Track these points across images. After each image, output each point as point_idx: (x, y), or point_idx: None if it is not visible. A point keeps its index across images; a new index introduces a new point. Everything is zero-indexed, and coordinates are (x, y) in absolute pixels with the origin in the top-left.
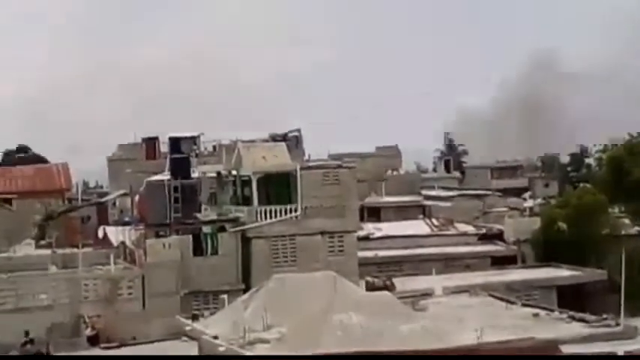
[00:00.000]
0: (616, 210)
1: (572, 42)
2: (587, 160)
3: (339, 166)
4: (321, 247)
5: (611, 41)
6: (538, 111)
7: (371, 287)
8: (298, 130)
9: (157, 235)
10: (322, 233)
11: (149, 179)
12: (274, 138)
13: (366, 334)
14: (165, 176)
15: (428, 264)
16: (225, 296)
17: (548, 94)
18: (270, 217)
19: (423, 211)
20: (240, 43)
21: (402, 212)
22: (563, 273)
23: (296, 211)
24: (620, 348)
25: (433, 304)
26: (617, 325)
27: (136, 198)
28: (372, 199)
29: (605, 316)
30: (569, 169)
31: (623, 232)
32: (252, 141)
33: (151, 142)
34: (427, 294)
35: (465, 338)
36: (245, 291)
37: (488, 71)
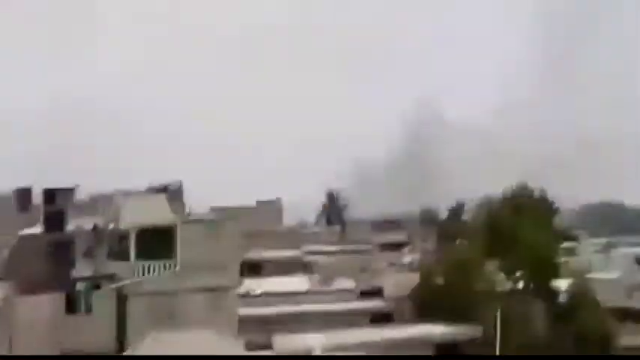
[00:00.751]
0: (491, 266)
1: (459, 92)
2: (463, 216)
3: (221, 221)
4: (201, 303)
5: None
6: (420, 164)
7: (250, 346)
8: (179, 182)
9: (28, 292)
10: (202, 290)
11: (21, 233)
12: (154, 189)
13: None
14: (38, 229)
15: (308, 321)
16: None
17: (432, 146)
18: (149, 273)
19: (304, 267)
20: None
21: (283, 267)
22: (440, 330)
23: (175, 266)
24: None
25: None
26: None
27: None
28: (253, 254)
29: None
30: (447, 223)
31: (498, 288)
32: (130, 192)
33: (24, 193)
34: (307, 355)
35: None
36: (120, 351)
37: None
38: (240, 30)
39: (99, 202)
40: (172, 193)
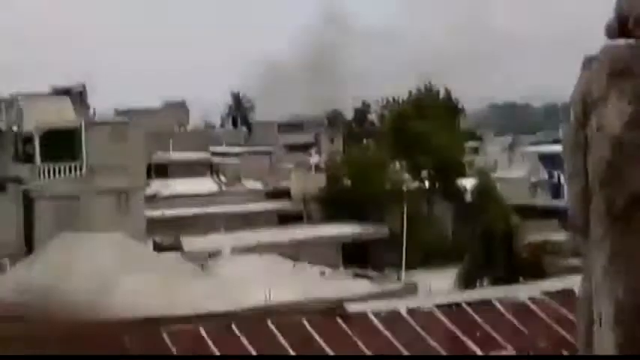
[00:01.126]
0: (397, 165)
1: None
2: (370, 117)
3: (126, 123)
4: (108, 205)
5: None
6: (326, 65)
7: (159, 247)
8: (83, 85)
9: None
10: (109, 192)
11: None
12: (57, 91)
13: (154, 296)
14: None
15: (216, 222)
16: (6, 260)
17: (337, 48)
18: (54, 176)
19: (211, 168)
20: None
21: (190, 169)
22: (347, 230)
23: (81, 169)
24: (402, 305)
25: (222, 265)
26: (398, 280)
27: None
28: (160, 156)
29: (386, 272)
30: (353, 124)
31: (404, 188)
32: (34, 94)
33: None
34: (215, 254)
35: (254, 299)
36: (28, 254)
37: (277, 24)
38: None
39: (0, 105)
40: (76, 96)
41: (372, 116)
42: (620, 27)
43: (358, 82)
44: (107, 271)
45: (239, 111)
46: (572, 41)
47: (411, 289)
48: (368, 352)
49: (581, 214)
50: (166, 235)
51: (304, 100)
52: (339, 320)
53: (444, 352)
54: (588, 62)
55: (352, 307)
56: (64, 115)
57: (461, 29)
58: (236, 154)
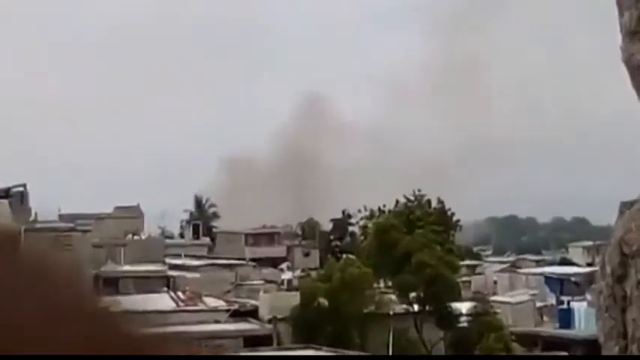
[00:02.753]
0: (382, 285)
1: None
2: (351, 228)
3: (72, 229)
4: None
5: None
6: (304, 168)
7: None
8: (24, 185)
9: None
10: None
11: None
12: None
13: None
14: None
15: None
16: None
17: (316, 150)
18: None
19: (168, 283)
20: None
21: (144, 283)
22: (323, 356)
23: None
24: None
25: None
26: None
27: None
28: (109, 268)
29: None
30: (331, 237)
31: (390, 311)
32: None
33: None
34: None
35: None
36: None
37: (252, 124)
38: (97, 30)
39: None
40: (16, 197)
41: (354, 228)
42: None
43: (340, 188)
44: None
45: (201, 218)
46: (583, 147)
47: None
48: None
49: None
50: None
51: (277, 207)
52: None
53: None
54: (625, 207)
55: None
56: (1, 219)
57: (458, 134)
58: (197, 268)
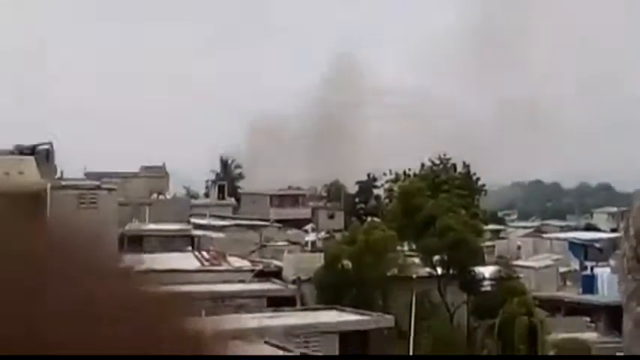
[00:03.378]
0: (406, 248)
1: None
2: (376, 191)
3: (98, 187)
4: None
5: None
6: (332, 129)
7: None
8: (50, 143)
9: None
10: None
11: None
12: (21, 151)
13: None
14: None
15: (196, 304)
16: None
17: (345, 112)
18: None
19: (192, 242)
20: None
21: (168, 243)
22: (347, 317)
23: None
24: None
25: None
26: None
27: None
28: (135, 227)
29: None
30: (356, 199)
31: (413, 274)
32: None
33: None
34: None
35: None
36: None
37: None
38: None
39: None
40: (42, 155)
41: (379, 191)
42: None
43: (367, 151)
44: None
45: (227, 179)
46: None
47: None
48: None
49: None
50: None
51: (303, 169)
52: None
53: None
54: None
55: None
56: (27, 177)
57: (501, 99)
58: (221, 228)
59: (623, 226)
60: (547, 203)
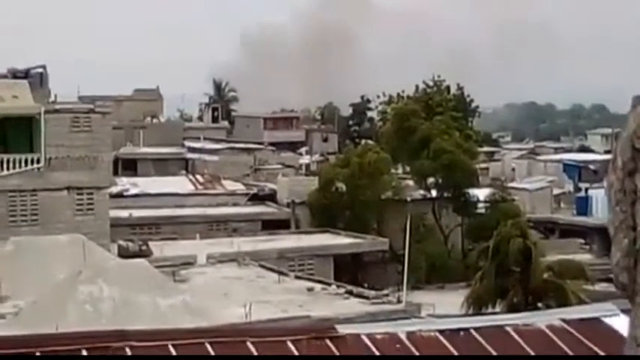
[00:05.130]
0: (400, 170)
1: None
2: (370, 113)
3: (91, 111)
4: (68, 204)
5: None
6: (327, 49)
7: (125, 253)
8: (43, 67)
9: None
10: (69, 189)
11: None
12: (14, 74)
13: (118, 309)
14: None
15: (190, 227)
16: None
17: (340, 32)
18: (8, 169)
19: (186, 166)
20: None
21: (162, 166)
22: (341, 240)
23: (38, 162)
24: (402, 329)
25: (196, 275)
26: (399, 302)
27: None
28: (128, 150)
29: (385, 291)
30: (350, 122)
31: (407, 197)
32: None
33: None
34: (189, 262)
35: (232, 315)
36: None
37: None
38: None
39: None
40: (35, 79)
41: (373, 113)
42: None
43: (361, 73)
44: (63, 280)
45: (220, 101)
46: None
47: (413, 311)
48: None
49: (628, 270)
50: (133, 239)
51: (296, 92)
52: (329, 343)
53: None
54: (638, 101)
55: (344, 329)
56: (20, 100)
57: (498, 21)
58: (215, 151)
59: (610, 157)
60: (541, 124)
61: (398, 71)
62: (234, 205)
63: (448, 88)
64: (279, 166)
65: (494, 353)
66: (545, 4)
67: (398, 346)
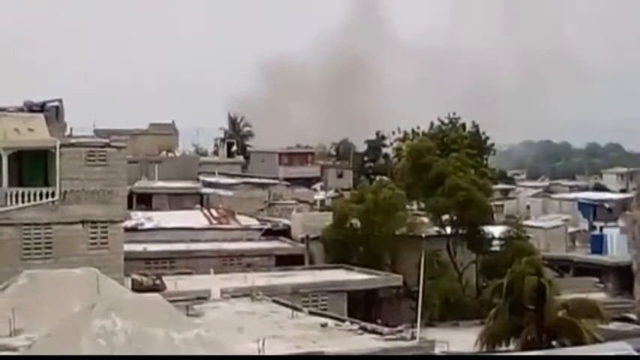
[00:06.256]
0: (414, 207)
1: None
2: (385, 150)
3: (107, 145)
4: (82, 238)
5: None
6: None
7: (138, 287)
8: (59, 100)
9: None
10: (83, 222)
11: None
12: (30, 107)
13: (132, 343)
14: None
15: (205, 261)
16: None
17: (367, 60)
18: (23, 202)
19: (201, 200)
20: None
21: (177, 200)
22: (355, 276)
23: (53, 195)
24: None
25: (210, 309)
26: (413, 338)
27: None
28: (143, 184)
29: (399, 328)
30: (365, 158)
31: (422, 233)
32: (4, 109)
33: None
34: (203, 297)
35: (245, 350)
36: None
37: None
38: None
39: None
40: (51, 112)
41: (388, 150)
42: None
43: (384, 106)
44: (77, 314)
45: (236, 136)
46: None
47: (427, 348)
48: None
49: None
50: (147, 273)
51: (312, 128)
52: None
53: None
54: None
55: None
56: (36, 134)
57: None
58: (230, 186)
59: (634, 187)
60: (556, 163)
61: (417, 106)
62: (249, 240)
63: (464, 125)
64: (294, 201)
65: None
66: (573, 34)
67: None
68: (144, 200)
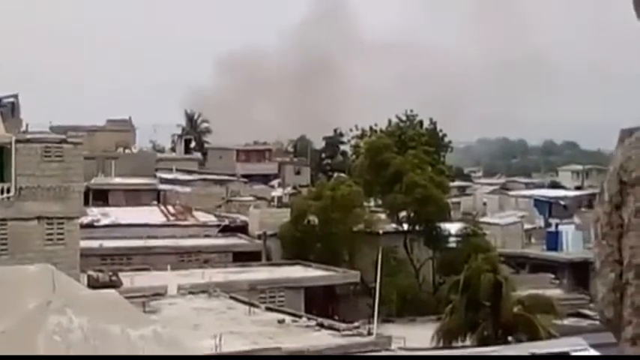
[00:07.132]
0: (372, 204)
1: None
2: (342, 147)
3: (63, 141)
4: (38, 234)
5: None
6: (308, 84)
7: (94, 283)
8: (15, 96)
9: None
10: (39, 218)
11: None
12: None
13: (88, 340)
14: None
15: (161, 258)
16: None
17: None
18: None
19: (158, 197)
20: None
21: (134, 197)
22: (312, 273)
23: (9, 191)
24: None
25: (167, 306)
26: (370, 334)
27: None
28: (100, 180)
29: (356, 324)
30: (323, 155)
31: (379, 230)
32: None
33: None
34: (159, 293)
35: (202, 346)
36: None
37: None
38: None
39: None
40: (7, 108)
41: (345, 147)
42: None
43: (334, 107)
44: (32, 311)
45: (193, 133)
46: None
47: (384, 344)
48: None
49: (614, 304)
50: (103, 270)
51: (269, 124)
52: None
53: None
54: (626, 135)
55: None
56: None
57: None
58: (187, 182)
59: (598, 191)
60: (512, 160)
61: (379, 104)
62: (206, 236)
63: (421, 122)
64: (251, 198)
65: None
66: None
67: None
68: (100, 197)
